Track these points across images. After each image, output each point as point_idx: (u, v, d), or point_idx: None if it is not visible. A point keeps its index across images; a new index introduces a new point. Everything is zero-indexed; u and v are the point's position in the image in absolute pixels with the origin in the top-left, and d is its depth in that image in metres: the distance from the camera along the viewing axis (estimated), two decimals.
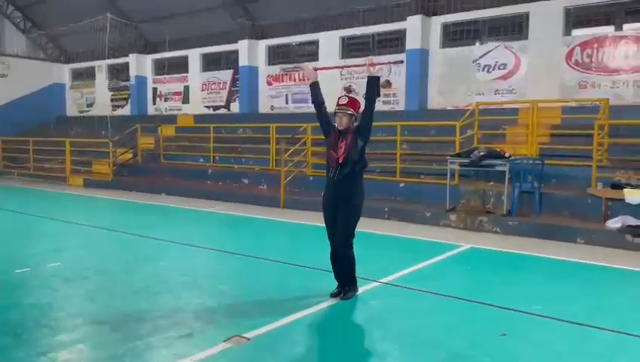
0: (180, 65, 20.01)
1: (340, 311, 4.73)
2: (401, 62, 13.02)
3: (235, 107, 18.41)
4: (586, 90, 11.85)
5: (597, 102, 10.54)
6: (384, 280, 5.62)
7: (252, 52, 17.52)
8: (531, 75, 12.53)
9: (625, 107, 10.93)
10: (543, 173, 8.85)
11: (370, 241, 8.06)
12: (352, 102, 4.95)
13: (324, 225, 5.10)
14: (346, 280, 4.99)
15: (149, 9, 18.94)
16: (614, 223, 7.86)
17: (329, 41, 15.88)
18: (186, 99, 20.02)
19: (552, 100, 11.44)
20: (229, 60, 18.63)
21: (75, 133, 20.66)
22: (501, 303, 4.87)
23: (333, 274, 5.10)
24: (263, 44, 17.51)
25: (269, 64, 17.54)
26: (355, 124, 5.00)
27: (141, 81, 21.08)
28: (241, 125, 16.07)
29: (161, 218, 10.26)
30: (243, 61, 17.60)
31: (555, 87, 12.08)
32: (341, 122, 4.91)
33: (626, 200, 7.93)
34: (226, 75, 18.69)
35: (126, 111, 21.68)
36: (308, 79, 5.26)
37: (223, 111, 18.78)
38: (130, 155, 16.44)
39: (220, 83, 18.91)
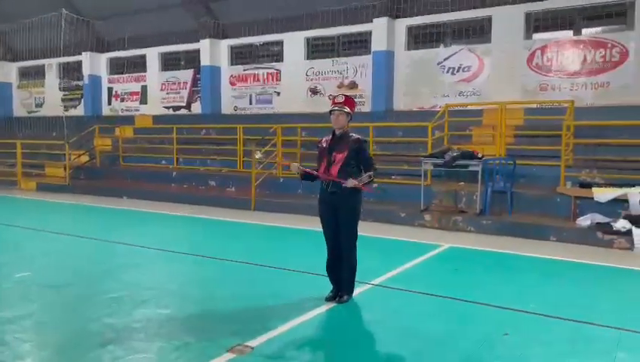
0: (138, 65, 19.35)
1: (340, 315, 4.63)
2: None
3: (196, 107, 17.96)
4: (546, 92, 12.24)
5: (561, 103, 10.93)
6: (374, 282, 5.56)
7: (214, 52, 17.14)
8: (494, 77, 12.83)
9: (584, 109, 11.35)
10: (515, 173, 9.04)
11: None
12: (349, 101, 4.84)
13: (322, 229, 4.97)
14: (345, 285, 4.89)
15: (104, 6, 18.20)
16: (584, 221, 8.13)
17: (294, 42, 15.74)
18: (143, 100, 19.37)
19: (520, 102, 11.78)
20: (189, 60, 18.16)
21: (24, 135, 19.63)
22: (496, 302, 4.91)
23: (328, 278, 5.00)
24: (225, 44, 17.17)
25: (232, 64, 17.22)
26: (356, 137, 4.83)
27: (95, 80, 20.24)
28: (205, 126, 15.72)
29: (128, 222, 9.86)
30: (205, 61, 17.19)
31: (517, 90, 12.42)
32: (337, 121, 4.80)
33: (595, 199, 8.23)
34: (186, 74, 18.20)
35: (79, 111, 20.75)
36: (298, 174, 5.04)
37: (183, 111, 18.27)
38: (87, 158, 15.75)
39: (180, 83, 18.41)
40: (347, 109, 4.81)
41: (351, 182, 4.61)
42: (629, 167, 9.00)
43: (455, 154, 8.91)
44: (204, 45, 17.14)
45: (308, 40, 15.60)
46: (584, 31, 12.01)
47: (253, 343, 3.86)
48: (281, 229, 9.07)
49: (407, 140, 11.58)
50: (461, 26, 13.30)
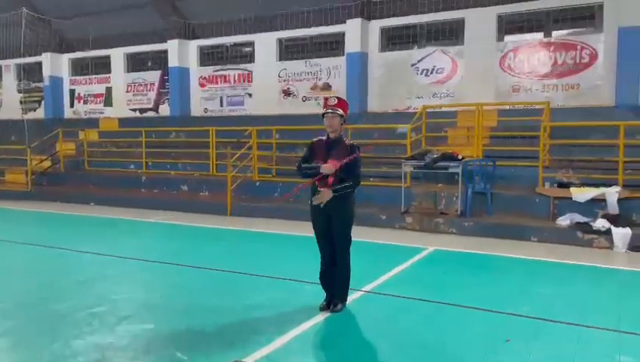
0: (102, 66, 18.71)
1: (337, 324, 4.45)
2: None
3: (164, 110, 17.48)
4: (519, 94, 12.40)
5: (535, 105, 11.08)
6: (367, 288, 5.42)
7: (182, 52, 16.72)
8: (467, 79, 12.92)
9: (555, 110, 11.52)
10: (494, 174, 9.06)
11: None
12: (342, 103, 4.67)
13: (315, 236, 4.79)
14: (339, 292, 4.72)
15: (67, 5, 17.50)
16: (563, 221, 8.21)
17: (265, 43, 15.49)
18: (108, 102, 18.74)
19: (497, 103, 11.88)
20: (157, 61, 17.67)
21: None
22: (489, 306, 4.84)
23: (321, 286, 4.83)
24: (194, 45, 16.77)
25: (201, 65, 16.83)
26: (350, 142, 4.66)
27: (56, 82, 19.47)
28: (174, 129, 15.28)
29: (98, 230, 9.41)
30: (173, 62, 16.75)
31: (490, 91, 12.53)
32: (331, 124, 4.62)
33: (574, 199, 8.32)
34: (153, 75, 17.70)
35: (39, 114, 19.92)
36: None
37: (151, 114, 17.76)
38: (50, 163, 15.08)
39: (146, 84, 17.88)
40: (340, 111, 4.64)
41: (327, 168, 4.38)
42: (604, 167, 9.15)
43: (435, 155, 8.87)
44: (172, 46, 16.71)
45: (280, 41, 15.38)
46: (554, 33, 12.23)
47: (251, 359, 3.65)
48: (260, 234, 8.83)
49: (385, 142, 11.50)
50: (434, 28, 13.35)
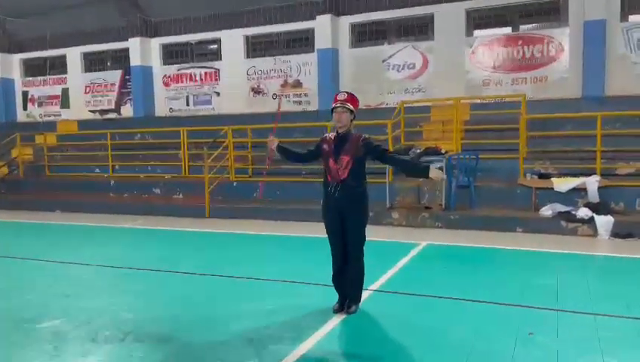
0: (57, 66, 17.87)
1: (358, 326, 4.33)
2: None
3: (126, 110, 16.87)
4: (489, 87, 12.62)
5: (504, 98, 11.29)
6: (373, 287, 5.32)
7: (145, 51, 16.15)
8: (438, 74, 13.04)
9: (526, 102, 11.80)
10: (477, 168, 9.17)
11: (326, 246, 7.75)
12: (351, 98, 4.56)
13: (327, 237, 4.65)
14: (354, 293, 4.60)
15: (19, 2, 16.55)
16: (546, 211, 8.39)
17: (232, 40, 15.16)
18: (65, 104, 17.92)
19: (473, 97, 12.05)
20: (117, 60, 17.00)
21: None
22: (501, 300, 4.85)
23: (335, 288, 4.70)
24: (157, 42, 16.23)
25: (165, 64, 16.32)
26: (361, 135, 4.55)
27: (7, 83, 18.46)
28: (139, 130, 14.73)
29: (71, 239, 8.93)
30: (135, 60, 16.16)
31: (461, 86, 12.69)
32: (340, 119, 4.49)
33: (555, 189, 8.53)
34: (113, 75, 17.04)
35: None
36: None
37: (112, 115, 17.10)
38: (7, 170, 14.26)
39: (107, 84, 17.19)
40: (350, 107, 4.52)
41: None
42: (579, 157, 9.43)
43: (419, 150, 8.89)
44: (133, 44, 16.12)
45: (247, 38, 15.09)
46: (521, 27, 12.51)
47: None
48: (246, 236, 8.61)
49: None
50: (404, 24, 13.41)
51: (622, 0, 11.34)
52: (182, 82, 16.07)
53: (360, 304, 4.69)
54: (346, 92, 4.63)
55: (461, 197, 9.18)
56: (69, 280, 6.08)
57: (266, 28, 14.69)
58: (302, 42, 14.47)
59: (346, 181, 4.44)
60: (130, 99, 16.75)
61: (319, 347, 3.90)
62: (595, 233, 7.71)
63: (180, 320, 4.58)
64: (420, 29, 13.31)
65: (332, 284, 4.74)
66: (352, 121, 4.58)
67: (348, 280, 4.62)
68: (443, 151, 9.01)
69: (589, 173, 8.71)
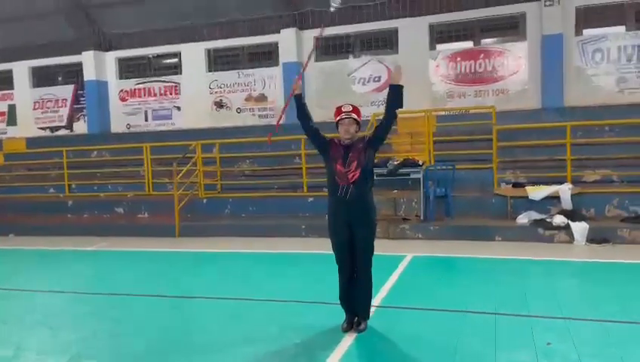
0: (3, 81, 16.88)
1: (374, 345, 4.17)
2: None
3: (80, 127, 16.13)
4: (453, 99, 12.89)
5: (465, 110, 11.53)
6: (375, 303, 5.16)
7: (99, 64, 15.56)
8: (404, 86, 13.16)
9: (487, 114, 12.09)
10: (453, 178, 9.25)
11: (315, 261, 7.59)
12: (356, 109, 4.48)
13: (334, 251, 4.49)
14: (363, 309, 4.46)
15: None
16: (522, 219, 8.55)
17: (193, 54, 14.83)
18: (11, 121, 16.97)
19: (444, 109, 12.27)
20: (69, 74, 16.26)
21: None
22: (506, 310, 4.82)
23: (342, 307, 4.53)
24: (112, 56, 15.65)
25: (121, 78, 15.74)
26: (362, 134, 4.50)
27: None
28: (97, 147, 14.06)
29: (33, 264, 8.29)
30: (89, 75, 15.53)
31: (426, 98, 12.90)
32: (348, 131, 4.39)
33: (530, 197, 8.71)
34: (65, 90, 16.30)
35: None
36: (294, 91, 4.61)
37: (64, 132, 16.29)
38: None
39: (58, 100, 16.40)
40: (356, 117, 4.44)
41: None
42: (549, 166, 9.71)
43: (397, 162, 8.89)
44: (87, 58, 15.50)
45: (209, 51, 14.79)
46: (483, 41, 12.89)
47: None
48: (223, 255, 8.28)
49: None
50: (369, 38, 13.53)
51: (576, 15, 11.89)
52: (140, 97, 15.55)
53: (368, 320, 4.54)
54: (350, 104, 4.55)
55: (438, 207, 9.22)
56: (38, 308, 5.59)
57: (229, 41, 14.47)
58: (266, 56, 14.33)
59: (357, 182, 4.33)
60: (83, 115, 16.05)
61: None
62: (571, 239, 7.89)
63: (186, 347, 4.27)
64: (384, 43, 13.46)
65: (338, 302, 4.57)
66: (356, 132, 4.49)
67: (357, 294, 4.47)
68: (420, 162, 9.05)
69: (559, 181, 8.97)
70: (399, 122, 12.21)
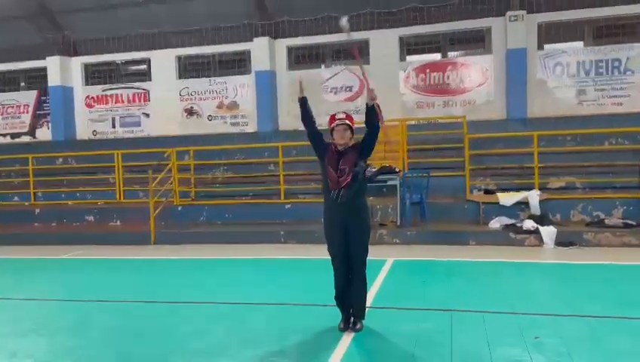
0: None
1: (374, 344, 4.29)
2: None
3: (43, 134, 15.66)
4: (422, 109, 13.27)
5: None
6: (367, 303, 5.32)
7: (65, 70, 15.17)
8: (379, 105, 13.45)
9: (456, 123, 12.52)
10: (428, 185, 9.54)
11: (298, 267, 7.68)
12: (349, 117, 4.67)
13: (330, 253, 4.62)
14: (359, 309, 4.59)
15: None
16: (494, 224, 8.92)
17: (163, 60, 14.68)
18: None
19: (418, 118, 12.56)
20: (32, 80, 15.79)
21: None
22: (490, 308, 5.06)
23: (338, 307, 4.65)
24: (78, 62, 15.30)
25: (87, 84, 15.41)
26: (355, 142, 4.65)
27: None
28: (62, 154, 13.71)
29: (7, 274, 8.02)
30: (54, 80, 15.12)
31: (397, 108, 13.20)
32: (343, 137, 4.55)
33: (501, 203, 9.10)
34: (28, 96, 15.80)
35: None
36: (301, 92, 4.77)
37: (26, 139, 15.78)
38: None
39: (19, 106, 15.88)
40: (350, 123, 4.62)
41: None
42: (517, 173, 10.16)
43: (375, 169, 9.10)
44: (52, 63, 15.11)
45: (179, 58, 14.70)
46: (450, 54, 13.34)
47: None
48: (205, 262, 8.26)
49: (307, 159, 11.50)
50: (340, 48, 13.77)
51: (538, 30, 12.50)
52: (107, 103, 15.25)
53: (364, 320, 4.67)
54: (343, 112, 4.74)
55: (413, 213, 9.49)
56: (24, 317, 5.46)
57: (201, 49, 14.42)
58: (238, 64, 14.36)
59: (349, 187, 4.46)
60: (47, 121, 15.60)
61: None
62: (541, 243, 8.29)
63: (186, 351, 4.27)
64: None
65: (332, 303, 4.70)
66: (350, 139, 4.65)
67: (352, 294, 4.60)
68: (397, 169, 9.30)
69: (527, 188, 9.40)
70: None
